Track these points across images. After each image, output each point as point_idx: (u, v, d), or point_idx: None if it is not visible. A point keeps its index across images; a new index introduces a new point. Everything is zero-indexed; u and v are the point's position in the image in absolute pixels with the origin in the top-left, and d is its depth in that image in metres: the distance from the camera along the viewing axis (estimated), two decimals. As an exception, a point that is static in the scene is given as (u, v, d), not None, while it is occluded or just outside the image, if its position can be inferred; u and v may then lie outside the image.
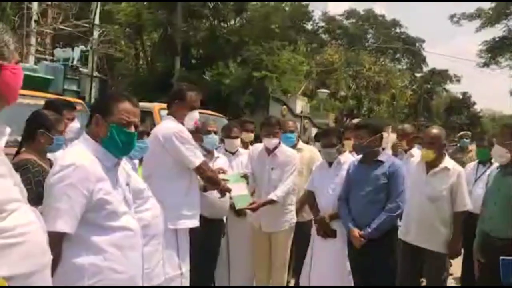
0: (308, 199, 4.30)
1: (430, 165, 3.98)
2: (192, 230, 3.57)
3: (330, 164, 4.13)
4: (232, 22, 16.53)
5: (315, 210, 4.14)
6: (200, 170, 3.47)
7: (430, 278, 4.14)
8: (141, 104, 8.70)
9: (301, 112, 14.74)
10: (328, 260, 4.00)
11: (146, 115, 7.83)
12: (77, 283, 1.97)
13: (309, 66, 31.25)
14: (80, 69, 17.36)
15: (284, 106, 12.90)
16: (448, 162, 4.05)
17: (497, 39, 23.04)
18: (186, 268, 3.48)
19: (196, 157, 3.44)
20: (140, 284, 2.21)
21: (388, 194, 3.63)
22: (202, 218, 3.80)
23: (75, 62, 15.40)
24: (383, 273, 3.64)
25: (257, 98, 13.38)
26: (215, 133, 4.30)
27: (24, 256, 1.44)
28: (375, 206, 3.63)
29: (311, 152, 4.82)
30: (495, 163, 4.48)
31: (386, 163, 3.69)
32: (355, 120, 6.45)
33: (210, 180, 3.62)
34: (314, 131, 14.60)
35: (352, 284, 3.95)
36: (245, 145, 5.06)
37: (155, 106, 7.56)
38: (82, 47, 17.72)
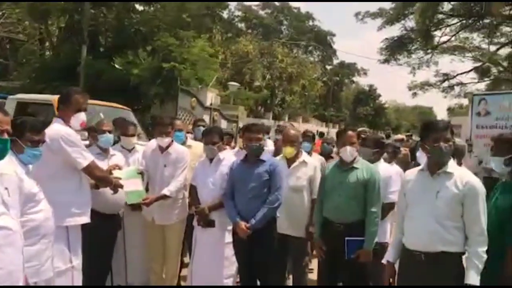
0: (191, 193, 4.63)
1: (290, 160, 4.57)
2: (86, 225, 3.76)
3: (211, 160, 4.49)
4: (143, 8, 16.26)
5: (196, 202, 4.48)
6: (88, 170, 3.66)
7: (294, 260, 4.73)
8: (42, 96, 8.51)
9: (211, 104, 14.95)
10: (208, 248, 4.39)
11: (47, 107, 7.67)
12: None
13: (224, 56, 31.54)
14: (-23, 52, 16.24)
15: (194, 98, 13.02)
16: (305, 156, 4.68)
17: (395, 38, 24.82)
18: (77, 261, 3.66)
19: (84, 159, 3.61)
20: (21, 278, 2.39)
21: (269, 189, 4.06)
22: (97, 214, 4.02)
23: (-29, 45, 14.45)
24: (262, 258, 4.06)
25: (166, 89, 13.40)
26: (110, 132, 4.46)
27: None
28: (258, 200, 4.04)
29: (201, 148, 4.96)
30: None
31: (267, 162, 4.12)
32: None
33: (100, 180, 3.82)
34: (223, 123, 14.92)
35: (232, 270, 4.41)
36: None
37: (55, 99, 7.35)
38: (-21, 28, 16.59)
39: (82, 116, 3.71)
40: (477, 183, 2.98)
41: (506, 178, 3.39)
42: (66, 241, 3.60)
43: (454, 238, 2.92)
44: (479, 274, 2.85)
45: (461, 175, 2.99)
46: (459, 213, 2.93)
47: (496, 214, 3.18)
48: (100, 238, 4.21)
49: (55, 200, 3.43)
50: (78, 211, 3.66)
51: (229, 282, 4.45)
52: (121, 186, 4.04)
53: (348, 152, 3.97)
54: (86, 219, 3.73)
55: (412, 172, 3.26)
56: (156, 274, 4.82)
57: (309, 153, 5.40)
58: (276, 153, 5.45)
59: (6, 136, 2.38)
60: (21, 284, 2.38)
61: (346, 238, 3.81)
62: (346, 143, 3.98)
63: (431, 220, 2.94)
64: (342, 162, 4.06)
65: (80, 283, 3.70)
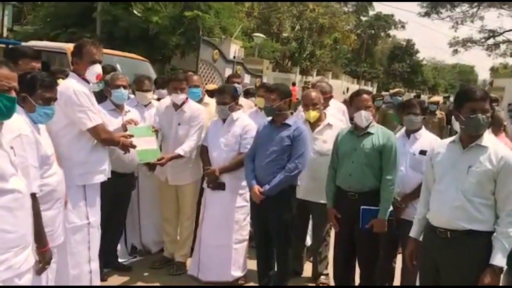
0: (202, 153, 4.67)
1: (313, 124, 4.53)
2: (103, 184, 3.84)
3: (224, 120, 4.50)
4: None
5: (206, 163, 4.54)
6: (93, 132, 3.66)
7: (314, 226, 4.81)
8: (55, 44, 8.49)
9: (234, 57, 14.70)
10: (218, 211, 4.47)
11: (60, 56, 7.71)
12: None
13: (250, 4, 30.89)
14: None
15: (216, 50, 12.85)
16: (329, 119, 4.63)
17: (438, -12, 23.82)
18: (94, 218, 3.76)
19: (89, 119, 3.60)
20: (31, 242, 2.46)
21: (290, 155, 4.03)
22: (111, 172, 4.04)
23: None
24: (278, 226, 4.11)
25: (188, 39, 13.25)
26: (124, 87, 4.44)
27: None
28: (276, 165, 4.02)
29: None
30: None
31: (292, 127, 4.07)
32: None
33: (105, 142, 3.80)
34: (247, 77, 14.76)
35: (243, 235, 4.53)
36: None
37: (69, 47, 7.35)
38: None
39: (96, 69, 3.67)
40: None
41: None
42: (83, 199, 3.69)
43: (482, 217, 2.87)
44: (505, 256, 2.81)
45: (496, 149, 2.91)
46: (490, 190, 2.88)
47: None
48: (114, 197, 4.27)
49: (71, 159, 3.56)
50: (95, 169, 3.74)
51: (239, 247, 4.54)
52: (132, 147, 4.04)
53: (363, 116, 3.92)
54: (103, 177, 3.81)
55: (442, 144, 3.20)
56: (169, 235, 4.95)
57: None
58: None
59: (13, 94, 2.29)
60: (30, 247, 2.44)
61: (362, 207, 3.83)
62: (361, 107, 3.93)
63: (459, 195, 2.90)
64: (356, 128, 4.01)
65: (97, 240, 3.82)
